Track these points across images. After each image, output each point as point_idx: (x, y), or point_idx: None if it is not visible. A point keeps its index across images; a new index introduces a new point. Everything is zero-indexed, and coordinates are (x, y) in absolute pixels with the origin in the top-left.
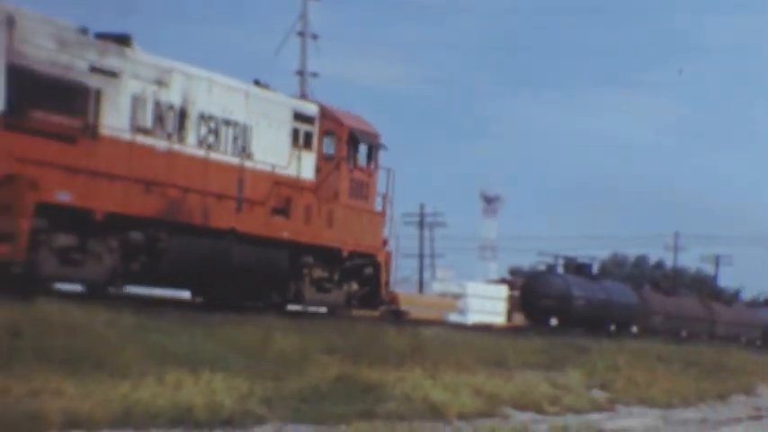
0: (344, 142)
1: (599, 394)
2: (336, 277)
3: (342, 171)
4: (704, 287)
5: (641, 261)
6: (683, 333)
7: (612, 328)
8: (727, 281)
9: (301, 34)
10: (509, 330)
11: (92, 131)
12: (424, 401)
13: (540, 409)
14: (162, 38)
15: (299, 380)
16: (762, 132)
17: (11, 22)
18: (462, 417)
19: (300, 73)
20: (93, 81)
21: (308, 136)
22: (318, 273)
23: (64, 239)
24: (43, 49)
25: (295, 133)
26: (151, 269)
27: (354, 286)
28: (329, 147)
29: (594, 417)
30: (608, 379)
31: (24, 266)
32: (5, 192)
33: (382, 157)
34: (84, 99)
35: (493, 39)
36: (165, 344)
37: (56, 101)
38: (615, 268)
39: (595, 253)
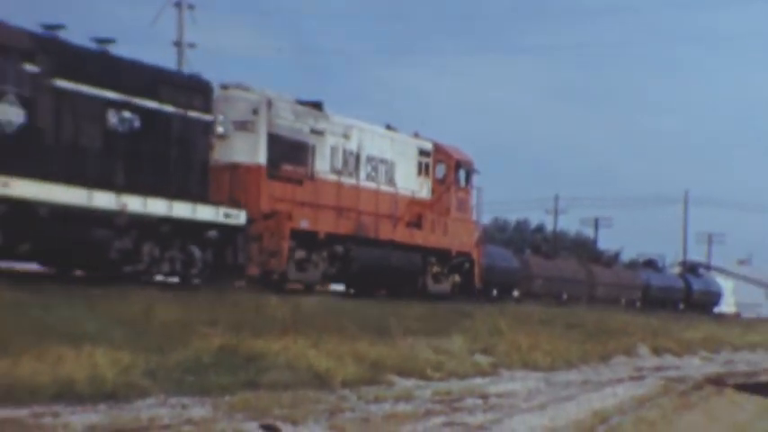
0: (452, 170)
1: (482, 359)
2: (446, 271)
3: (451, 192)
4: (584, 250)
5: (522, 225)
6: (564, 296)
7: (494, 292)
8: (606, 243)
9: (178, 5)
10: (392, 297)
11: (311, 175)
12: (307, 370)
13: (423, 375)
14: (34, 7)
15: (182, 352)
16: (639, 95)
17: (269, 105)
18: (346, 384)
19: (178, 44)
20: (311, 139)
21: (427, 166)
22: (436, 269)
23: (300, 253)
24: (286, 120)
25: (419, 165)
26: (344, 272)
27: (457, 278)
28: (440, 173)
29: (478, 381)
30: (491, 344)
31: (280, 274)
32: (272, 223)
33: (475, 178)
34: (306, 153)
35: (371, 7)
36: (45, 319)
37: (292, 156)
38: (497, 233)
39: None
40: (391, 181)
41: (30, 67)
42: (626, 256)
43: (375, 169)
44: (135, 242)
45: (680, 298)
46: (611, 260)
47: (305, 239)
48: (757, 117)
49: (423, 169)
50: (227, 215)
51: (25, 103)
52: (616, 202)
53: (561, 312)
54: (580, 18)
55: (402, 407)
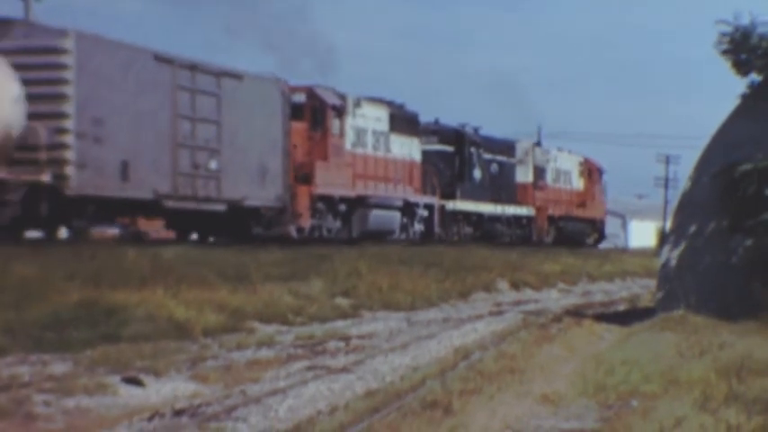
0: (594, 173)
1: (343, 301)
2: (592, 231)
3: (594, 186)
4: None
5: None
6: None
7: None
8: None
9: None
10: (250, 244)
11: (546, 185)
12: (168, 321)
13: (285, 321)
14: None
15: (40, 308)
16: (492, 34)
17: (533, 148)
18: (208, 333)
19: None
20: (545, 165)
21: (582, 171)
22: (589, 230)
23: (547, 225)
24: (538, 156)
25: (579, 171)
26: (559, 235)
27: (596, 235)
28: (587, 174)
29: (339, 324)
30: (350, 286)
31: (540, 237)
32: (540, 213)
33: (604, 176)
34: (544, 173)
35: None
36: None
37: (540, 176)
38: None
39: None
40: (570, 182)
41: (480, 150)
42: None
43: (565, 177)
44: (501, 227)
45: None
46: None
47: (548, 219)
48: (605, 49)
49: (580, 173)
50: (528, 211)
51: (481, 166)
52: None
53: (420, 251)
54: None
55: (264, 353)
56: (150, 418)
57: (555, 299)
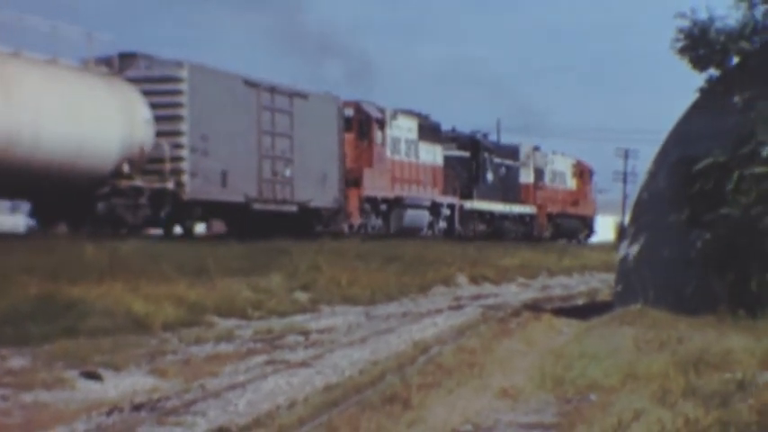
0: (585, 174)
1: (302, 296)
2: (584, 227)
3: (585, 185)
4: None
5: None
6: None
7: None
8: None
9: None
10: (209, 238)
11: (544, 185)
12: (127, 315)
13: (244, 315)
14: None
15: None
16: (459, 27)
17: (534, 151)
18: (167, 327)
19: None
20: (543, 167)
21: (574, 173)
22: (580, 226)
23: (546, 222)
24: (538, 159)
25: (572, 173)
26: (556, 229)
27: (586, 231)
28: (579, 176)
29: (299, 318)
30: (309, 280)
31: (541, 233)
32: (540, 210)
33: (594, 177)
34: (543, 174)
35: None
36: None
37: (540, 177)
38: None
39: None
40: (565, 183)
41: (491, 155)
42: None
43: (561, 178)
44: (509, 224)
45: None
46: None
47: (547, 216)
48: (565, 44)
49: (573, 175)
50: (530, 209)
51: (492, 169)
52: None
53: (379, 246)
54: None
55: (223, 347)
56: (109, 413)
57: (514, 293)
